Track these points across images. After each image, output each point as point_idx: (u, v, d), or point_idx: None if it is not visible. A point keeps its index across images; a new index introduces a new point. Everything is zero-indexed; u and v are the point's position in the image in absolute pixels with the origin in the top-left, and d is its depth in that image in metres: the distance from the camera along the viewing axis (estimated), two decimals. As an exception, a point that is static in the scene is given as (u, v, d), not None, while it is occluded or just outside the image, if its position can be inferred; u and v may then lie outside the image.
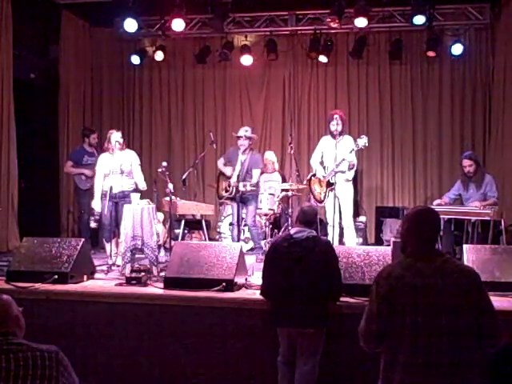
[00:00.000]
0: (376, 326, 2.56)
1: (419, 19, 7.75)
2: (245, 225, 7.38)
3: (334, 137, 6.38)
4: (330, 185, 6.42)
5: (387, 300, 2.52)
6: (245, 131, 6.90)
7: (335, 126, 6.40)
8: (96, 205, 6.31)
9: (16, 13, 7.49)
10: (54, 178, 8.77)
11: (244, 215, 7.18)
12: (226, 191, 6.92)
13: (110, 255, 6.05)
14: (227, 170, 6.98)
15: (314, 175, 6.68)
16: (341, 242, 6.57)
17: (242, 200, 6.79)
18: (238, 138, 6.91)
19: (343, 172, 6.42)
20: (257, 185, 6.87)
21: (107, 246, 6.31)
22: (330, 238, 6.36)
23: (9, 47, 7.44)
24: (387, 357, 2.57)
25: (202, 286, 4.52)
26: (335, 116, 6.44)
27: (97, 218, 6.50)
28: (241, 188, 6.51)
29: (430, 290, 2.49)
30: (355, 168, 6.58)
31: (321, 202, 6.52)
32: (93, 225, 6.73)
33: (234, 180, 6.73)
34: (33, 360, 2.27)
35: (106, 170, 6.21)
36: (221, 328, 4.39)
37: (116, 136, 6.30)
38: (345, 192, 6.47)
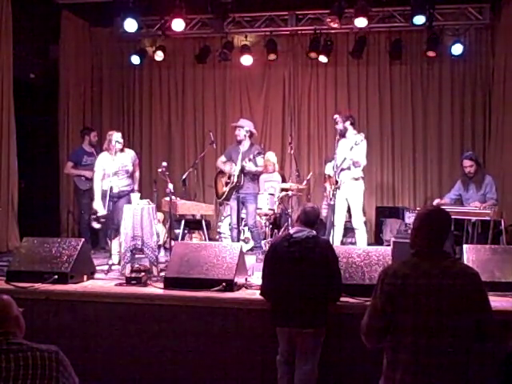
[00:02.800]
0: (378, 322, 2.59)
1: (419, 19, 7.75)
2: (245, 225, 7.38)
3: (341, 136, 6.44)
4: (335, 183, 6.42)
5: (391, 298, 2.54)
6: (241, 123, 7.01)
7: (337, 125, 6.43)
8: (97, 205, 6.28)
9: (16, 13, 7.49)
10: (53, 178, 8.78)
11: (244, 215, 7.18)
12: (227, 184, 6.90)
13: (111, 254, 6.06)
14: (226, 167, 6.97)
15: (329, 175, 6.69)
16: (342, 243, 6.54)
17: (242, 200, 6.80)
18: (234, 128, 7.02)
19: (349, 169, 6.38)
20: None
21: (112, 243, 6.30)
22: (332, 238, 6.34)
23: (9, 47, 7.44)
24: (389, 355, 2.59)
25: (202, 286, 4.52)
26: (334, 116, 6.48)
27: (100, 219, 6.46)
28: (244, 164, 6.65)
29: (434, 290, 2.50)
30: (360, 166, 6.41)
31: (330, 200, 6.51)
32: (96, 226, 6.68)
33: (236, 168, 6.75)
34: (33, 360, 2.27)
35: (107, 171, 6.19)
36: (221, 328, 4.39)
37: (116, 136, 6.29)
38: (352, 192, 6.38)
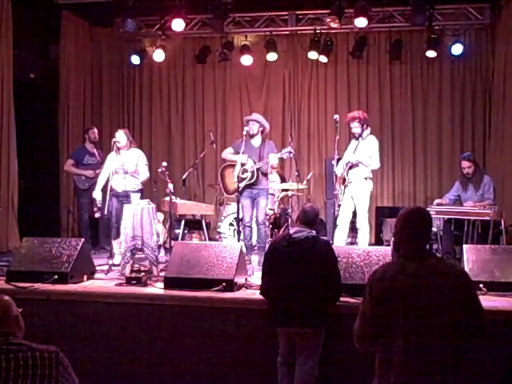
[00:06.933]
0: (370, 327, 2.60)
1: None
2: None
3: (355, 138, 6.42)
4: (343, 181, 6.38)
5: (381, 301, 2.56)
6: (254, 117, 6.76)
7: (355, 128, 6.38)
8: (96, 193, 6.28)
9: (16, 13, 7.50)
10: (54, 177, 8.77)
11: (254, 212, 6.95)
12: (241, 180, 6.34)
13: (111, 254, 6.05)
14: (237, 157, 6.44)
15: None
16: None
17: (254, 196, 6.58)
18: (247, 122, 6.69)
19: (357, 167, 6.31)
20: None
21: (114, 243, 6.29)
22: (332, 237, 6.30)
23: (9, 47, 7.45)
24: (382, 356, 2.60)
25: (201, 286, 4.52)
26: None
27: (98, 206, 6.43)
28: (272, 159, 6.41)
29: (422, 290, 2.52)
30: (369, 166, 6.32)
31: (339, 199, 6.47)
32: (96, 215, 6.66)
33: (250, 164, 6.46)
34: (33, 360, 2.27)
35: (112, 169, 6.20)
36: (221, 328, 4.39)
37: (116, 136, 6.28)
38: (359, 191, 6.31)
